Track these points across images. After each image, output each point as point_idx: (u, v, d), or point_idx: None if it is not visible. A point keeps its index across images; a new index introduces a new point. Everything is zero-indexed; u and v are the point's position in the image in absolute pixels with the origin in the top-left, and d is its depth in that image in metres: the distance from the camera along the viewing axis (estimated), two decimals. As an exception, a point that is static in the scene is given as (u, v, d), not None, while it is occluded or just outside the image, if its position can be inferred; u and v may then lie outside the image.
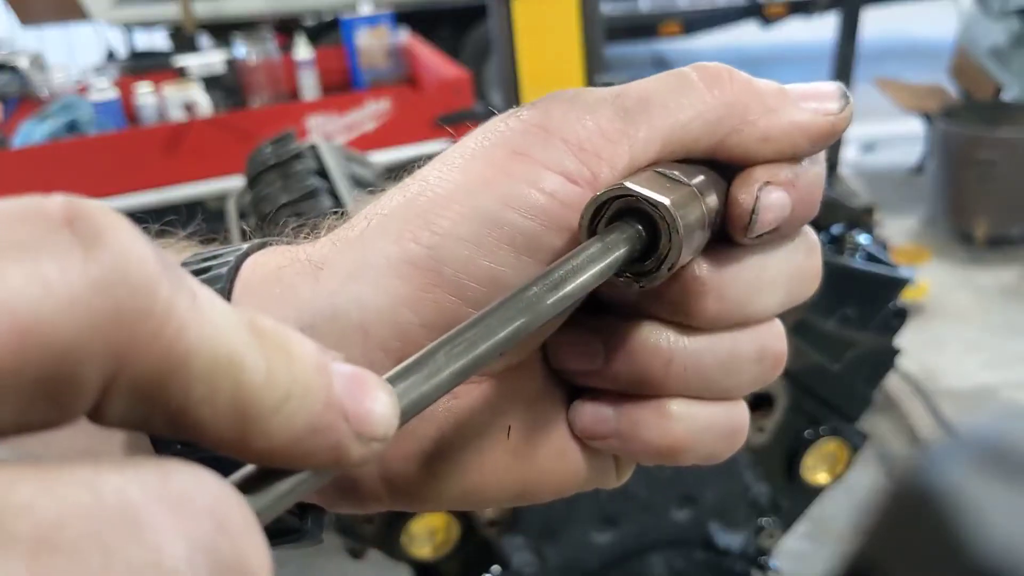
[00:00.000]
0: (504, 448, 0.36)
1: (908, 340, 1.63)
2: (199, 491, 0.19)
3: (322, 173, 1.49)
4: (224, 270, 0.35)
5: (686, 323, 0.35)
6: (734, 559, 1.59)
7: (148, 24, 5.47)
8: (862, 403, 1.57)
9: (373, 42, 3.65)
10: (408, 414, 0.25)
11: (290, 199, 1.41)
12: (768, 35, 6.81)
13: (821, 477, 1.61)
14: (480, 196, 0.33)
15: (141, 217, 0.42)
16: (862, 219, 1.68)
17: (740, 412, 0.37)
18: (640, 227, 0.32)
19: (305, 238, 0.37)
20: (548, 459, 0.36)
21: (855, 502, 2.36)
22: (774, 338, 0.37)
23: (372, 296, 0.33)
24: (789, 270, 0.36)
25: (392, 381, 0.25)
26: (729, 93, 0.34)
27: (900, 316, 1.50)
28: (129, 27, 5.70)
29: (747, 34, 6.75)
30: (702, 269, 0.34)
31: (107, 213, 0.19)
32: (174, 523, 0.18)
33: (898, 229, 4.20)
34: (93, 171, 3.13)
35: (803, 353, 1.49)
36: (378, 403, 0.23)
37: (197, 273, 0.35)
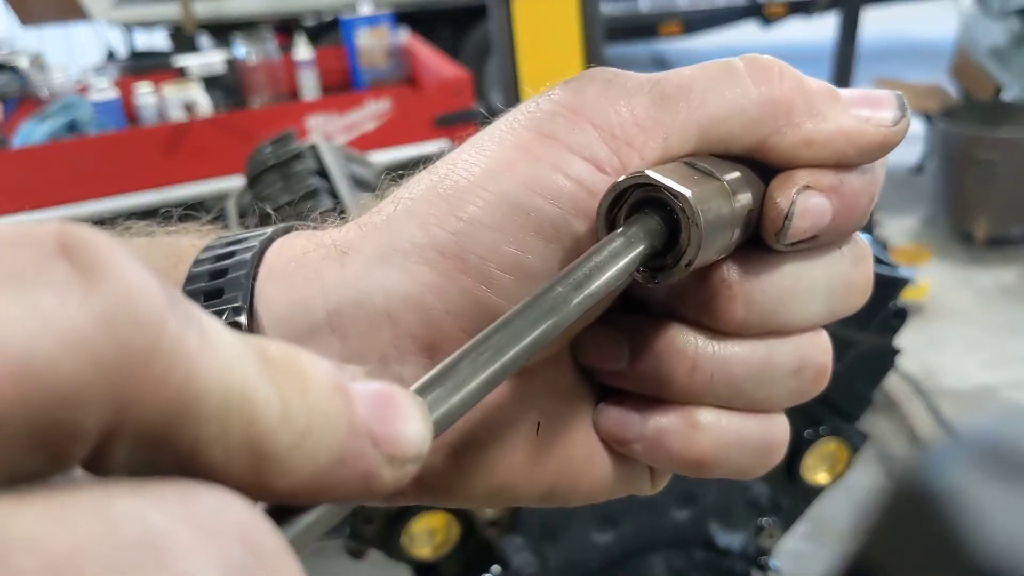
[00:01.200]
0: (533, 444, 0.34)
1: (908, 340, 1.63)
2: (226, 513, 0.18)
3: (322, 173, 1.49)
4: (248, 255, 0.34)
5: (713, 327, 0.33)
6: (734, 559, 1.59)
7: (148, 24, 5.46)
8: (862, 403, 1.57)
9: (373, 42, 3.64)
10: (437, 429, 0.24)
11: (290, 199, 1.41)
12: (768, 35, 6.80)
13: (821, 477, 1.61)
14: (506, 181, 0.31)
15: (158, 212, 0.42)
16: (862, 219, 1.68)
17: (777, 427, 0.35)
18: (660, 219, 0.30)
19: (332, 224, 0.36)
20: (577, 460, 0.35)
21: (855, 502, 2.36)
22: (816, 350, 0.34)
23: (397, 281, 0.32)
24: (832, 280, 0.34)
25: (418, 394, 0.24)
26: (776, 90, 0.32)
27: (900, 316, 1.49)
28: (129, 27, 5.70)
29: (747, 34, 6.74)
30: (732, 272, 0.32)
31: (105, 240, 0.17)
32: (203, 548, 0.16)
33: (898, 229, 4.20)
34: (93, 171, 3.13)
35: (803, 353, 1.48)
36: (410, 422, 0.22)
37: (222, 257, 0.34)
